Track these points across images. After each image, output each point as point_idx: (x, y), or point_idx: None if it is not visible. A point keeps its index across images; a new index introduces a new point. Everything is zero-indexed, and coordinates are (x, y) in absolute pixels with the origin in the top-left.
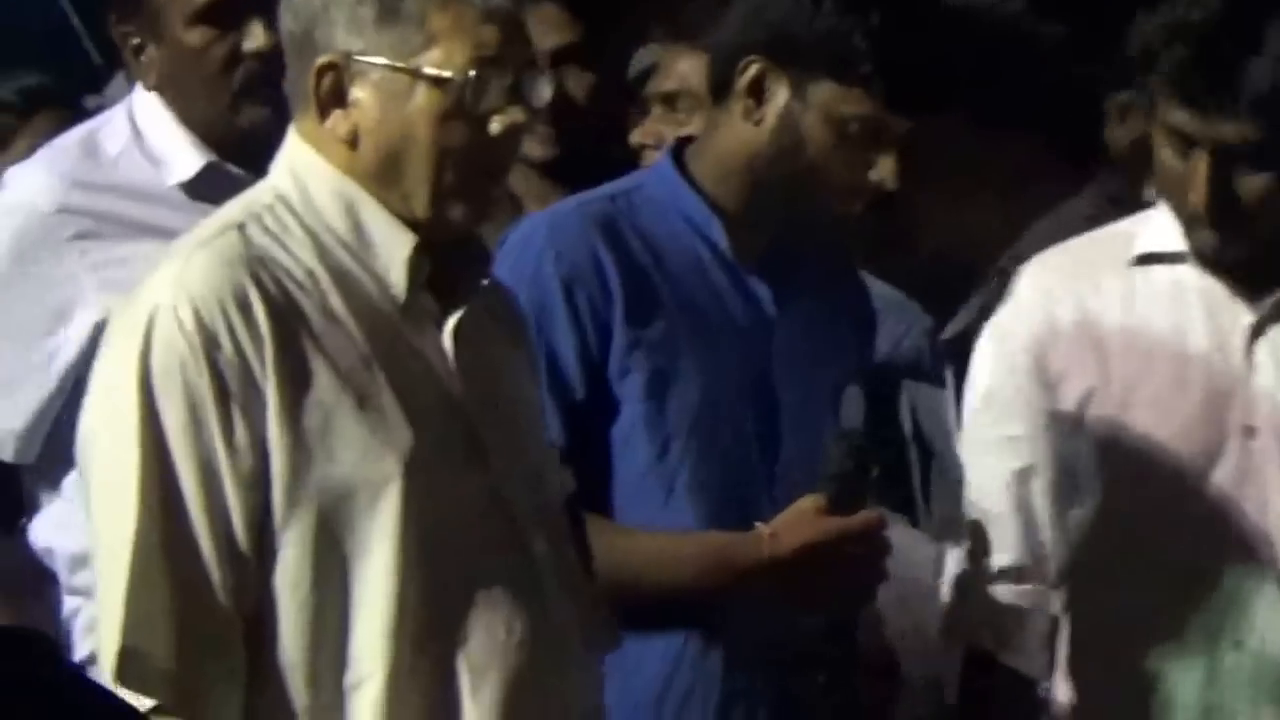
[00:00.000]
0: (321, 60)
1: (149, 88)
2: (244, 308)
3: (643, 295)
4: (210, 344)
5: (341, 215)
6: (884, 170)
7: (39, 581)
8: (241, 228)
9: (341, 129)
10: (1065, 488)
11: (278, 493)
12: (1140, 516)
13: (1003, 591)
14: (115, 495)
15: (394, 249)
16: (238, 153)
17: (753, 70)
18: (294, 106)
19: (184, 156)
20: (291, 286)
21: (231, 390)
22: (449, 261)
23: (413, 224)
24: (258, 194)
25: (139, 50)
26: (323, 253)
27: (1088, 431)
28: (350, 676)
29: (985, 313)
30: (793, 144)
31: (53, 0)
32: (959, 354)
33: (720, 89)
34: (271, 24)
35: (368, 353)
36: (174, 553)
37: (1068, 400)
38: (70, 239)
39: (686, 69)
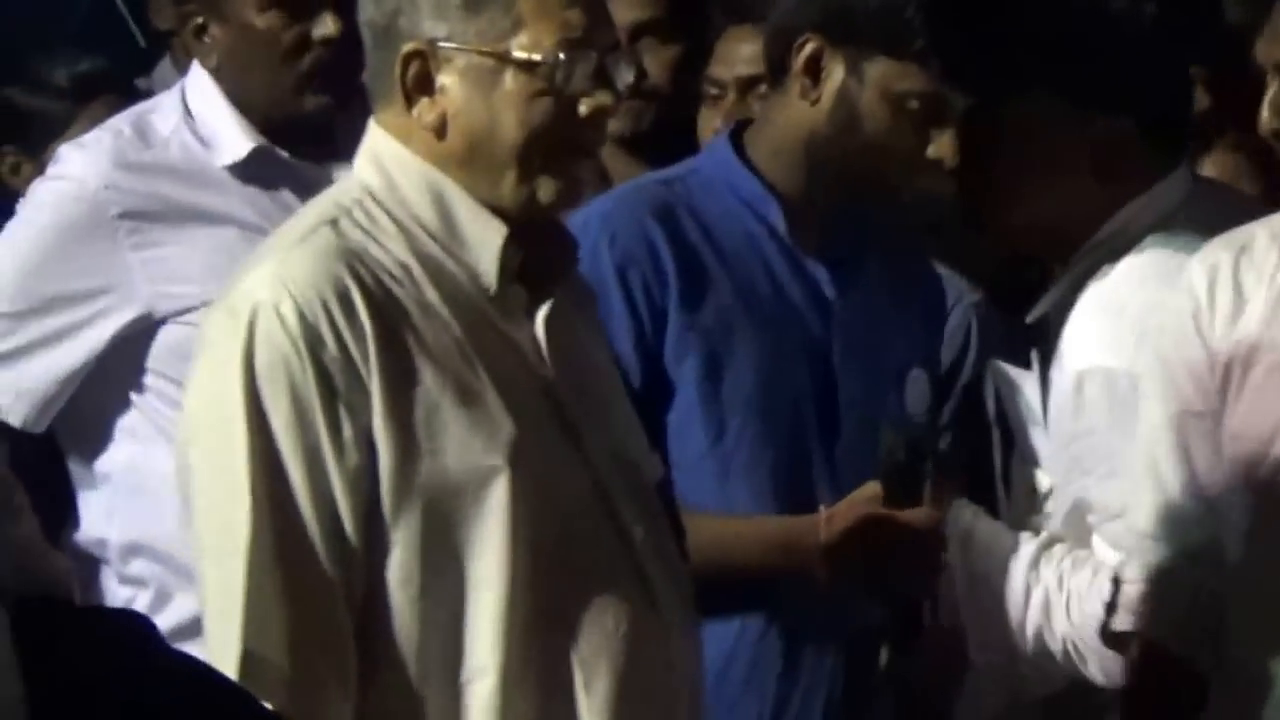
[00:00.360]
0: (407, 48)
1: (208, 68)
2: (345, 303)
3: (698, 278)
4: (314, 341)
5: (430, 206)
6: (942, 147)
7: (88, 573)
8: (334, 223)
9: (429, 117)
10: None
11: (385, 489)
12: None
13: (1166, 570)
14: (224, 497)
15: (484, 239)
16: (289, 138)
17: (809, 49)
18: (375, 98)
19: (234, 138)
20: (388, 280)
21: (337, 387)
22: (535, 249)
23: (501, 212)
24: (345, 189)
25: (201, 30)
26: (414, 245)
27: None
28: (464, 672)
29: (1074, 294)
30: (850, 122)
31: None
32: (1042, 336)
33: (777, 69)
34: (340, 12)
35: (465, 345)
36: (287, 553)
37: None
38: (115, 217)
39: (750, 53)
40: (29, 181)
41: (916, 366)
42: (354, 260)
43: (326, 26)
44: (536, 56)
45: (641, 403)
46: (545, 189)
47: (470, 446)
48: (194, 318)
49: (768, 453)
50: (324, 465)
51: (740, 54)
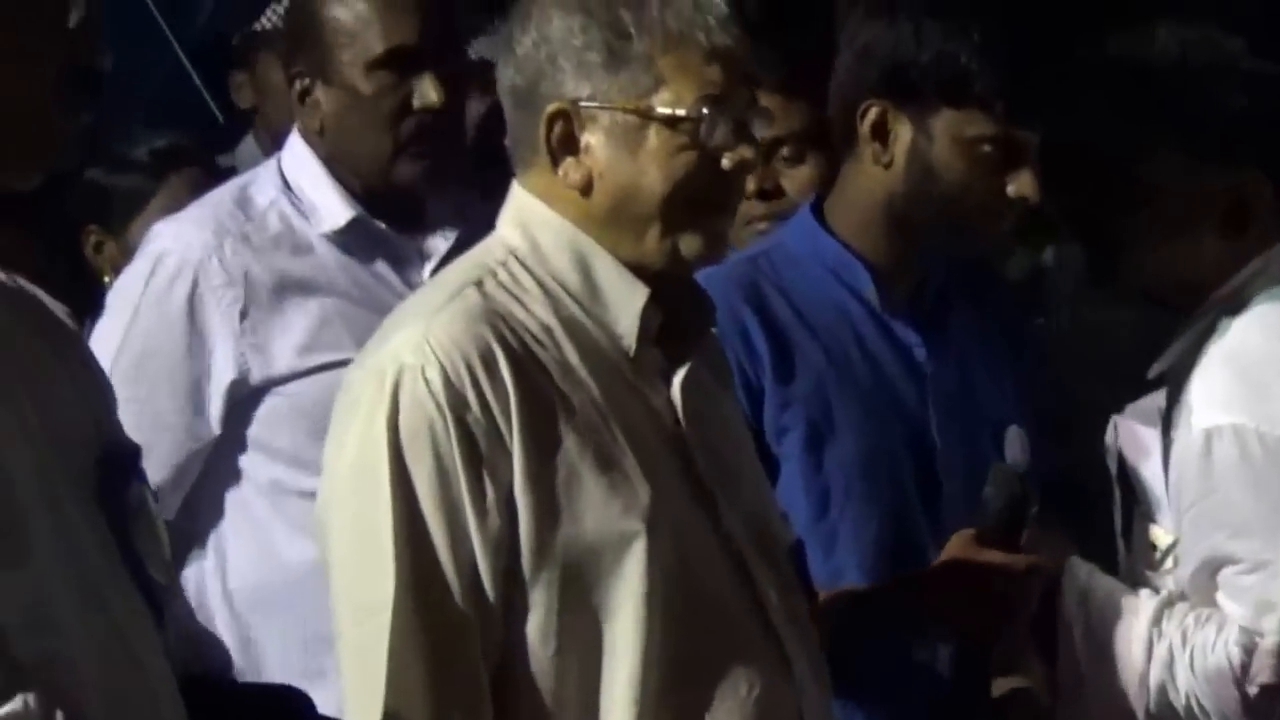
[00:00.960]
0: (551, 108)
1: (312, 130)
2: (489, 367)
3: (791, 354)
4: (459, 405)
5: (573, 267)
6: (1022, 186)
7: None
8: (479, 284)
9: (575, 176)
10: None
11: (525, 551)
12: None
13: None
14: (367, 558)
15: (626, 300)
16: (384, 208)
17: (872, 114)
18: (518, 160)
19: (334, 207)
20: (531, 342)
21: (481, 451)
22: (674, 311)
23: (642, 273)
24: (488, 250)
25: (306, 92)
26: (556, 306)
27: None
28: None
29: (1197, 348)
30: (926, 178)
31: (175, 62)
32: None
33: (846, 138)
34: (445, 84)
35: (604, 408)
36: (428, 614)
37: None
38: (219, 287)
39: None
40: (112, 259)
41: (1013, 423)
42: (498, 322)
43: (428, 95)
44: (680, 112)
45: None
46: (688, 244)
47: (609, 511)
48: (293, 388)
49: (872, 523)
50: (466, 528)
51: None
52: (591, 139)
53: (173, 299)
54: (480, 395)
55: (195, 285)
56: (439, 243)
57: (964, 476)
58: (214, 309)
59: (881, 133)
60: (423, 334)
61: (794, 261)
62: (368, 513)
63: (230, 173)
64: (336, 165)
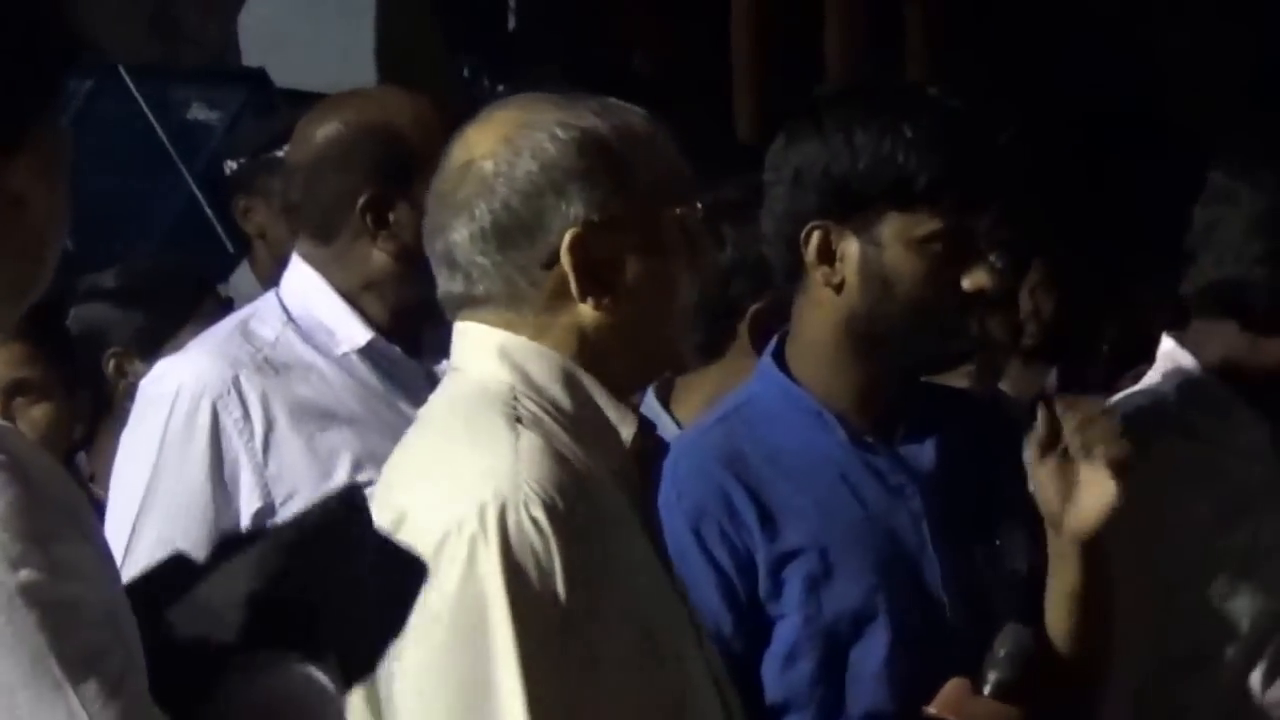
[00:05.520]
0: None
1: (393, 255)
2: (583, 498)
3: (777, 509)
4: (568, 539)
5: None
6: (977, 278)
7: None
8: (519, 420)
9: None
10: None
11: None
12: None
13: None
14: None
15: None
16: (395, 332)
17: (816, 237)
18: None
19: (353, 328)
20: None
21: (578, 589)
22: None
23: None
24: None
25: (383, 219)
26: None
27: None
28: None
29: None
30: (882, 289)
31: (187, 191)
32: None
33: (791, 273)
34: None
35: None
36: None
37: None
38: (239, 420)
39: None
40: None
41: (1013, 569)
42: (564, 452)
43: None
44: None
45: (736, 656)
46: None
47: (678, 658)
48: None
49: (879, 660)
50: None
51: None
52: None
53: (194, 437)
54: (585, 531)
55: (215, 419)
56: (445, 368)
57: (967, 591)
58: (236, 441)
59: (827, 254)
60: (511, 469)
61: (767, 415)
62: (481, 658)
63: (228, 302)
64: (380, 288)
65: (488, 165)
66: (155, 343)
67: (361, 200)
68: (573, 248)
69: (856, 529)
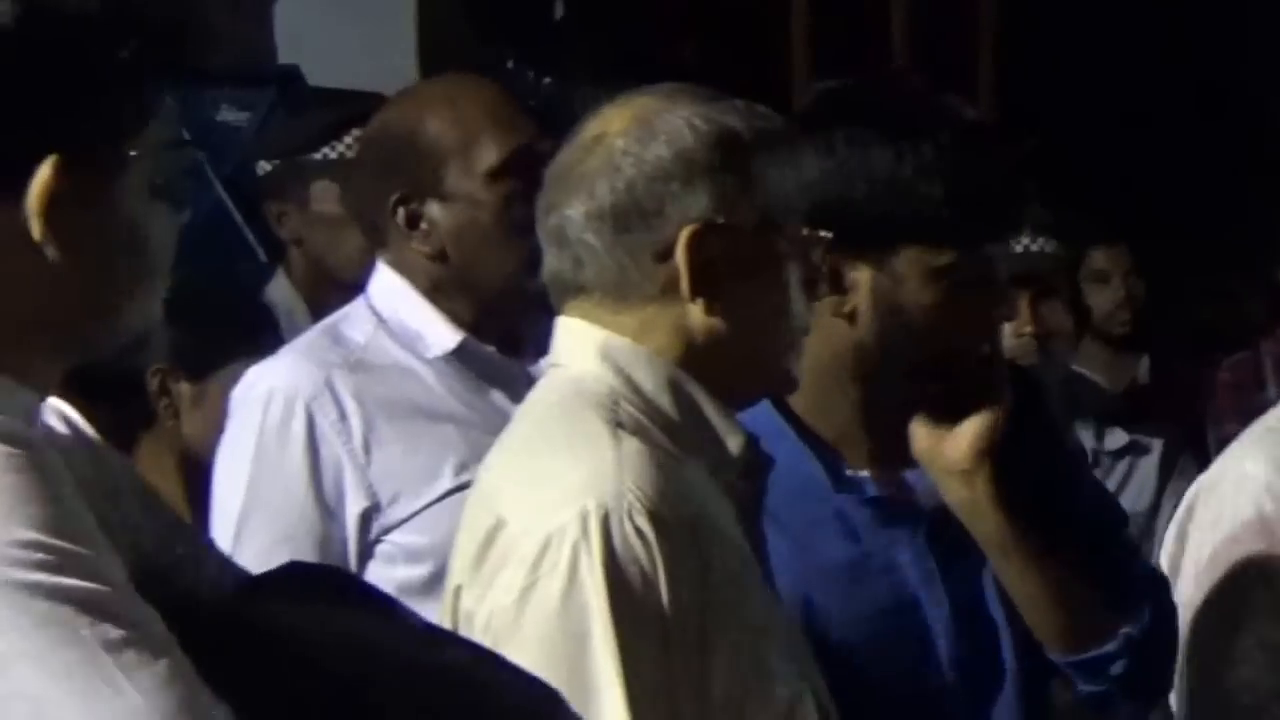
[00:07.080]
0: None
1: (424, 255)
2: (687, 506)
3: (785, 571)
4: (672, 548)
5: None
6: (998, 308)
7: None
8: (620, 425)
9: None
10: None
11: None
12: None
13: None
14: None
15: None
16: (490, 332)
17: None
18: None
19: (441, 332)
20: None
21: (683, 599)
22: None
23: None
24: (585, 386)
25: (415, 218)
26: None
27: None
28: None
29: None
30: (898, 321)
31: (215, 198)
32: None
33: None
34: None
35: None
36: None
37: None
38: (335, 422)
39: None
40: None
41: None
42: (667, 459)
43: None
44: None
45: None
46: None
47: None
48: (419, 522)
49: (877, 705)
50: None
51: None
52: None
53: (290, 440)
54: (681, 534)
55: (310, 422)
56: (545, 366)
57: (976, 624)
58: (335, 443)
59: (837, 283)
60: (615, 476)
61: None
62: (584, 666)
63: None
64: (446, 288)
65: (619, 143)
66: (201, 361)
67: (391, 201)
68: (690, 243)
69: (848, 571)
